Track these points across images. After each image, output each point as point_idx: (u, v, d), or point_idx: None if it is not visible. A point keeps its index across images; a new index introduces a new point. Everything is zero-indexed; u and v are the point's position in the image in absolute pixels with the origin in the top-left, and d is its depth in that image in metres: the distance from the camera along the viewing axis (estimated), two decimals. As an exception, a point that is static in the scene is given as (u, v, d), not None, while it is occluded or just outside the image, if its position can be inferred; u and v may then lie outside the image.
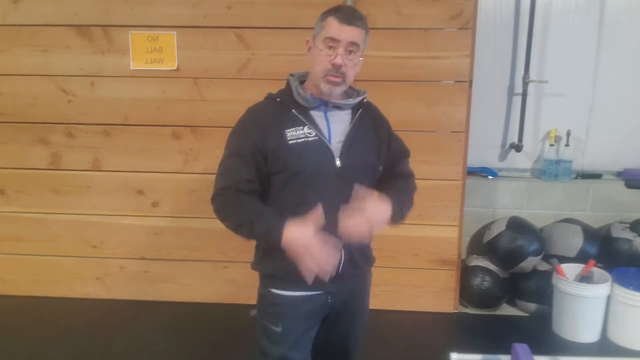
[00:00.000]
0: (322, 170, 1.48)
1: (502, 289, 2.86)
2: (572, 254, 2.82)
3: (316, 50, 1.48)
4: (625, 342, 2.57)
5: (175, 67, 2.72)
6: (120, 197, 2.89)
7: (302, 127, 1.48)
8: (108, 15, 2.68)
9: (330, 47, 1.45)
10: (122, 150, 2.83)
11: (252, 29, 2.65)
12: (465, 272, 2.90)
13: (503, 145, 3.16)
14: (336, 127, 1.53)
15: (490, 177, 3.10)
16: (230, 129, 2.90)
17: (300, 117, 1.50)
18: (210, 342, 2.61)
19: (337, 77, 1.46)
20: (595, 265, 2.67)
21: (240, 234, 1.48)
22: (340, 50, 1.45)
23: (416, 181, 1.66)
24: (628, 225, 2.86)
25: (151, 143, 2.81)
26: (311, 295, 1.53)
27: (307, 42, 1.54)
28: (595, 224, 2.99)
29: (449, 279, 2.87)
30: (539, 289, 2.79)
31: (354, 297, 1.64)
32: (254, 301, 3.04)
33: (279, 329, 1.54)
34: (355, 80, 2.67)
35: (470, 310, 2.91)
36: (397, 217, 1.47)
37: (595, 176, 3.08)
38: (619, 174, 3.09)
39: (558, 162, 3.04)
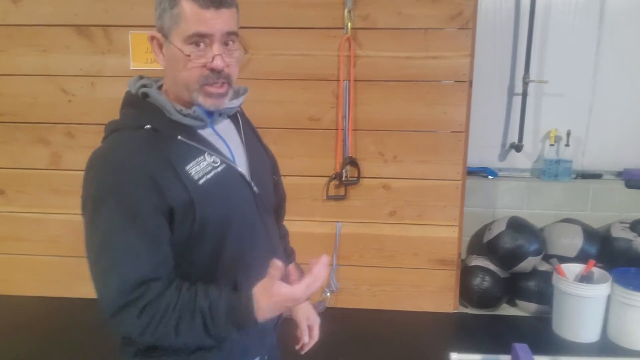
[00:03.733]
0: (245, 205, 1.10)
1: (502, 289, 2.85)
2: (572, 254, 2.82)
3: (174, 50, 1.01)
4: (625, 342, 2.57)
5: (175, 67, 2.72)
6: (120, 197, 2.88)
7: (202, 157, 1.04)
8: (108, 15, 2.68)
9: (197, 46, 1.00)
10: (122, 150, 2.83)
11: (252, 29, 2.65)
12: (465, 272, 2.89)
13: (503, 145, 3.16)
14: (232, 141, 1.14)
15: (490, 177, 3.10)
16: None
17: (193, 143, 1.05)
18: (210, 342, 2.60)
19: (221, 85, 1.04)
20: (595, 265, 2.67)
21: (185, 342, 0.99)
22: (216, 46, 1.01)
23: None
24: (628, 225, 2.86)
25: (151, 143, 2.81)
26: None
27: (153, 38, 1.04)
28: (595, 224, 2.99)
29: (449, 279, 2.87)
30: (539, 289, 2.79)
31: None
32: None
33: None
34: (355, 81, 2.70)
35: (470, 310, 2.91)
36: None
37: (595, 176, 3.08)
38: (619, 174, 3.09)
39: (558, 162, 3.04)
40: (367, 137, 2.74)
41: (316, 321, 1.33)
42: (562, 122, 3.05)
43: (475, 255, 2.97)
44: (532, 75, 2.98)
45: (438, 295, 2.89)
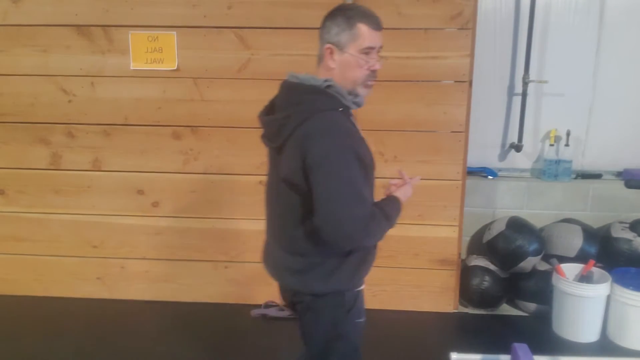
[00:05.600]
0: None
1: (502, 288, 2.86)
2: (572, 253, 2.82)
3: (350, 57, 1.48)
4: (625, 342, 2.57)
5: (175, 67, 2.72)
6: (121, 197, 2.89)
7: (360, 132, 1.55)
8: (108, 15, 2.68)
9: (367, 54, 1.48)
10: (122, 150, 2.84)
11: (252, 29, 2.66)
12: (465, 272, 2.90)
13: (503, 145, 3.16)
14: None
15: (490, 177, 3.10)
16: (230, 128, 2.90)
17: (355, 123, 1.57)
18: (210, 342, 2.61)
19: (373, 81, 1.53)
20: (595, 265, 2.67)
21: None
22: (374, 55, 1.50)
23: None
24: (628, 225, 2.86)
25: (151, 143, 2.81)
26: None
27: (330, 49, 1.50)
28: (595, 224, 2.99)
29: (449, 279, 2.87)
30: (538, 289, 2.79)
31: None
32: (254, 301, 3.05)
33: (364, 319, 1.68)
34: (355, 81, 2.70)
35: (470, 310, 2.91)
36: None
37: (595, 176, 3.08)
38: (619, 174, 3.09)
39: (558, 162, 3.04)
40: (367, 137, 2.71)
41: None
42: (562, 122, 3.05)
43: (475, 255, 2.97)
44: (532, 75, 2.98)
45: (438, 295, 2.89)
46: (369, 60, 1.48)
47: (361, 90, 1.53)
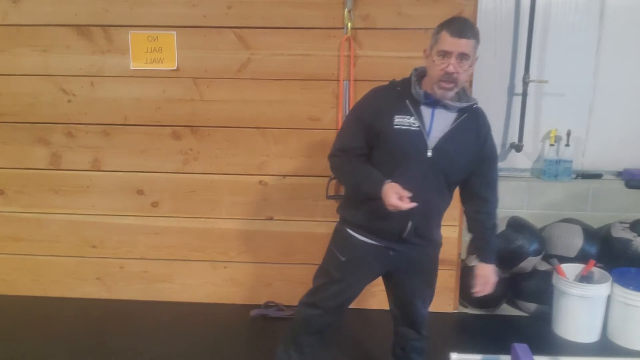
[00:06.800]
0: (414, 157, 1.77)
1: (502, 289, 2.85)
2: (572, 254, 2.82)
3: (431, 60, 1.73)
4: (625, 342, 2.57)
5: (175, 67, 2.71)
6: (120, 197, 2.88)
7: (409, 117, 1.76)
8: (108, 15, 2.68)
9: (442, 57, 1.68)
10: (122, 150, 2.83)
11: (252, 29, 2.65)
12: (465, 272, 2.89)
13: (503, 145, 3.16)
14: (439, 123, 1.78)
15: (490, 177, 3.09)
16: (230, 128, 2.90)
17: (411, 108, 1.77)
18: (210, 342, 2.61)
19: (449, 82, 1.70)
20: (595, 265, 2.67)
21: (350, 188, 1.95)
22: (452, 59, 1.67)
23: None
24: (628, 225, 2.86)
25: (151, 143, 2.81)
26: (376, 245, 1.88)
27: (425, 51, 1.79)
28: (595, 224, 2.99)
29: (449, 279, 2.86)
30: (539, 289, 2.79)
31: (417, 263, 1.97)
32: (253, 301, 3.05)
33: (343, 259, 1.93)
34: (355, 81, 2.69)
35: (470, 310, 2.91)
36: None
37: (595, 176, 3.08)
38: (619, 174, 3.09)
39: (558, 162, 3.04)
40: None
41: (492, 278, 2.00)
42: (562, 122, 3.05)
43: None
44: (532, 75, 2.98)
45: (438, 295, 2.85)
46: (443, 62, 1.68)
47: (437, 90, 1.73)
